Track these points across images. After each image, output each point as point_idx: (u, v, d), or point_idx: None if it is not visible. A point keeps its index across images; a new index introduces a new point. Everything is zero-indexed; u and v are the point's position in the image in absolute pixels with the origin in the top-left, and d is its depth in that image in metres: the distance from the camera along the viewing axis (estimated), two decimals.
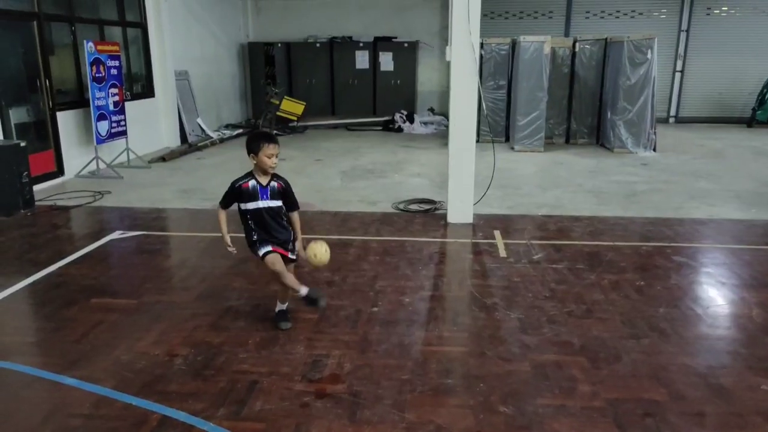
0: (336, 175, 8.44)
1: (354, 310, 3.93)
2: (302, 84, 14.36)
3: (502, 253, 5.09)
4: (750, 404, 2.87)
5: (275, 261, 3.44)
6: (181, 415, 2.78)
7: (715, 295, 4.25)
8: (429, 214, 6.33)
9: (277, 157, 3.41)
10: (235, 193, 3.46)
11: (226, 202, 3.54)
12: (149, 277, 4.55)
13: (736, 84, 14.09)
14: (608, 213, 6.37)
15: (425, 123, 13.48)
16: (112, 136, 8.59)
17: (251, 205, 3.43)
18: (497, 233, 5.63)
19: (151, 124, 10.43)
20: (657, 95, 10.40)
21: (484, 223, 5.96)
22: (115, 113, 8.63)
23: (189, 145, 10.71)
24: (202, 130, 11.83)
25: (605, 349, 3.42)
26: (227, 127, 13.02)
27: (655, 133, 10.27)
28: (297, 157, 9.84)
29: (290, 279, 3.55)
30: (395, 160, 9.61)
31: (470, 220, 5.98)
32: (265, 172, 3.44)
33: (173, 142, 10.85)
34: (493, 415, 2.79)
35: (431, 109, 14.28)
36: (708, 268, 4.77)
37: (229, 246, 3.55)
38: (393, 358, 3.30)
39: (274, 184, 3.48)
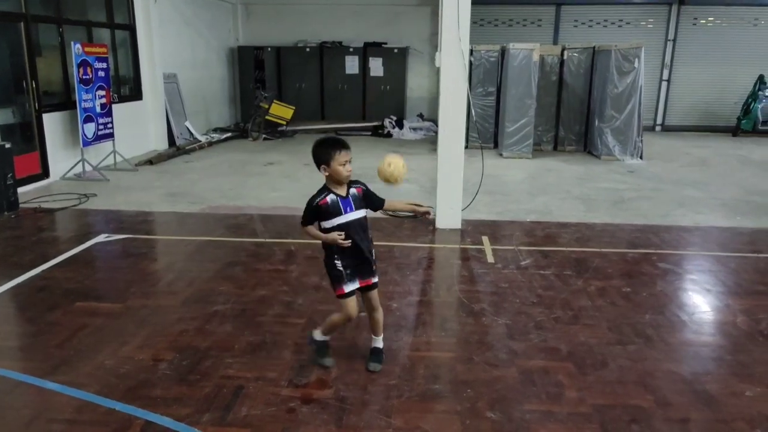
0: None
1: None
2: (292, 88, 14.34)
3: (490, 258, 5.10)
4: (734, 410, 2.89)
5: (354, 307, 3.09)
6: (165, 421, 2.75)
7: (701, 302, 4.29)
8: (417, 219, 6.33)
9: (350, 162, 2.97)
10: (314, 212, 3.01)
11: (307, 220, 3.05)
12: (135, 281, 4.50)
13: (722, 93, 14.28)
14: (596, 220, 6.41)
15: (414, 129, 13.51)
16: (98, 138, 8.52)
17: (335, 221, 2.98)
18: (485, 239, 5.64)
19: (139, 126, 10.36)
20: (644, 103, 10.49)
21: (473, 229, 5.97)
22: (102, 115, 8.56)
23: (177, 149, 10.65)
24: (191, 133, 11.77)
25: (592, 355, 3.43)
26: (216, 130, 12.96)
27: (641, 141, 10.37)
28: (286, 162, 9.82)
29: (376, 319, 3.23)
30: None
31: (459, 225, 5.99)
32: (340, 183, 3.00)
33: (161, 145, 10.78)
34: (480, 421, 2.78)
35: (420, 115, 14.32)
36: (693, 275, 4.81)
37: (340, 235, 2.96)
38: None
39: (353, 191, 3.04)
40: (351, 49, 14.18)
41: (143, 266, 4.90)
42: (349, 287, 3.05)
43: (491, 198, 7.22)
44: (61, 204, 6.79)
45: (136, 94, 10.42)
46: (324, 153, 2.94)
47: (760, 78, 13.22)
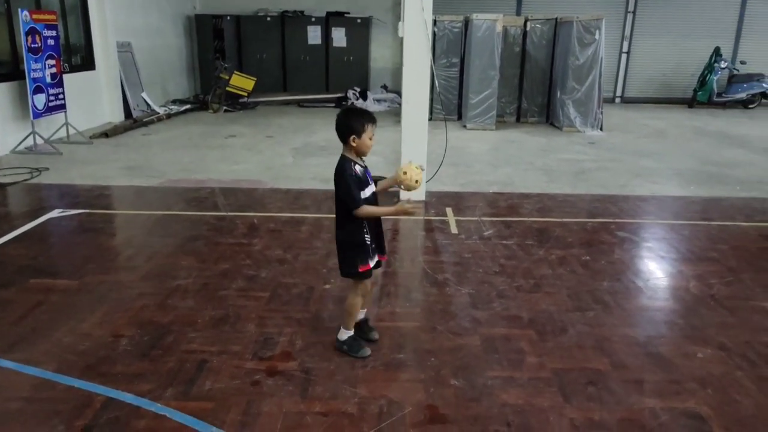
0: (288, 152, 8.31)
1: (306, 288, 3.90)
2: (253, 59, 14.00)
3: (454, 229, 5.15)
4: (686, 371, 3.01)
5: (369, 285, 3.10)
6: (127, 397, 2.71)
7: (655, 269, 4.43)
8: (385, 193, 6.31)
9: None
10: (357, 180, 2.84)
11: (358, 195, 2.83)
12: (92, 257, 4.38)
13: (679, 65, 14.58)
14: (557, 190, 6.51)
15: (378, 100, 13.41)
16: (49, 110, 8.19)
17: (367, 192, 2.89)
18: (449, 210, 5.68)
19: (93, 97, 9.99)
20: (604, 75, 10.64)
21: (436, 201, 6.00)
22: (52, 86, 8.21)
23: (134, 121, 10.32)
24: (148, 105, 11.41)
25: (552, 322, 3.51)
26: (174, 102, 12.60)
27: (602, 112, 10.53)
28: (247, 134, 9.64)
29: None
30: None
31: (422, 197, 6.01)
32: (361, 156, 2.90)
33: (117, 117, 10.43)
34: (444, 388, 2.83)
35: (384, 86, 14.21)
36: (649, 243, 4.95)
37: (410, 205, 2.88)
38: None
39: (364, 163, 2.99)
40: (313, 19, 13.90)
41: (100, 241, 4.77)
42: (373, 261, 2.99)
43: (455, 169, 7.25)
44: (11, 179, 6.53)
45: (88, 64, 10.01)
46: (358, 123, 2.80)
47: (716, 50, 13.53)
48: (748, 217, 5.64)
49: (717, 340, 3.32)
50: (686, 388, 2.87)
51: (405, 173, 2.92)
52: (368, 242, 2.94)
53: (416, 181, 2.93)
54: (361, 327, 3.22)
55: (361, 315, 3.22)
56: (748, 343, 3.29)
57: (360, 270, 2.96)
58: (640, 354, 3.17)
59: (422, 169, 3.01)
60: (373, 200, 2.94)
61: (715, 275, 4.24)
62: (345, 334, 3.11)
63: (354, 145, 2.83)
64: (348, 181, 2.82)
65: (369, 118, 2.84)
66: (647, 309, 3.76)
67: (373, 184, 2.97)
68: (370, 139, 2.85)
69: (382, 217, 3.04)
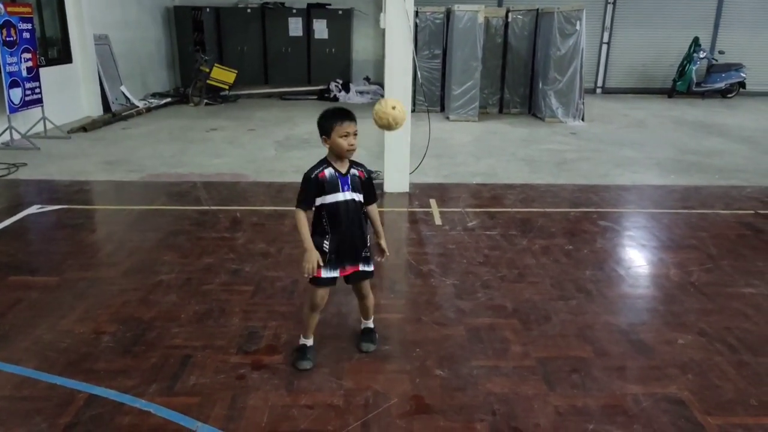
0: (270, 145, 8.26)
1: (290, 281, 3.88)
2: (233, 51, 13.85)
3: (438, 221, 5.16)
4: (668, 357, 3.06)
5: (322, 297, 2.87)
6: (110, 393, 2.68)
7: (637, 257, 4.48)
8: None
9: (355, 136, 2.71)
10: (314, 186, 2.72)
11: (307, 201, 2.74)
12: (72, 253, 4.32)
13: (659, 56, 14.72)
14: (540, 181, 6.55)
15: (361, 92, 13.36)
16: (26, 104, 8.04)
17: (330, 198, 2.73)
18: (433, 202, 5.69)
19: (70, 91, 9.83)
20: (585, 66, 10.70)
21: (420, 192, 6.01)
22: (28, 80, 8.06)
23: (113, 115, 10.17)
24: (127, 98, 11.25)
25: (536, 311, 3.54)
26: (154, 95, 12.44)
27: (583, 103, 10.61)
28: (229, 127, 9.55)
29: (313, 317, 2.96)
30: None
31: (406, 189, 6.01)
32: (341, 158, 2.75)
33: (95, 111, 10.27)
34: (430, 379, 2.84)
35: (367, 78, 14.15)
36: (630, 232, 5.01)
37: (315, 256, 2.71)
38: (330, 327, 3.29)
39: (354, 172, 2.79)
40: (294, 11, 13.78)
41: (80, 237, 4.70)
42: (327, 273, 2.79)
43: (438, 161, 7.26)
44: None
45: (65, 57, 9.84)
46: (325, 123, 2.71)
47: (695, 40, 13.68)
48: (727, 205, 5.73)
49: (697, 326, 3.37)
50: (667, 374, 2.91)
51: (392, 107, 2.83)
52: (325, 249, 2.77)
53: (393, 108, 2.80)
54: (303, 347, 2.97)
55: (367, 323, 3.13)
56: (727, 329, 3.34)
57: (316, 275, 2.76)
58: (622, 341, 3.21)
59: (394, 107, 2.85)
60: (336, 209, 2.74)
61: (695, 263, 4.30)
62: (301, 341, 2.98)
63: (326, 146, 2.74)
64: (303, 181, 2.75)
65: (339, 116, 2.69)
66: (629, 297, 3.80)
67: (352, 193, 2.77)
68: (344, 137, 2.68)
69: (358, 232, 2.83)
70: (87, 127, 9.05)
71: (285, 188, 6.10)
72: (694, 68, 13.65)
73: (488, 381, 2.83)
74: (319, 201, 2.75)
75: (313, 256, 2.70)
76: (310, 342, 2.98)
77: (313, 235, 2.79)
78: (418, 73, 9.49)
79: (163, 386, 2.75)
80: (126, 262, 4.18)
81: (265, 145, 8.20)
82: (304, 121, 10.25)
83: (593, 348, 3.13)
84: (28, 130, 8.15)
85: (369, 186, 2.87)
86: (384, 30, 5.65)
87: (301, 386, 2.76)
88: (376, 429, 2.48)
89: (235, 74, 12.29)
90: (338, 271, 2.84)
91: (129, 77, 11.67)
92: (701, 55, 13.69)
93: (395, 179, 5.99)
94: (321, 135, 2.75)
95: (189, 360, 2.96)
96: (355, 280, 2.93)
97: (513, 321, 3.41)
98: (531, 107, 11.34)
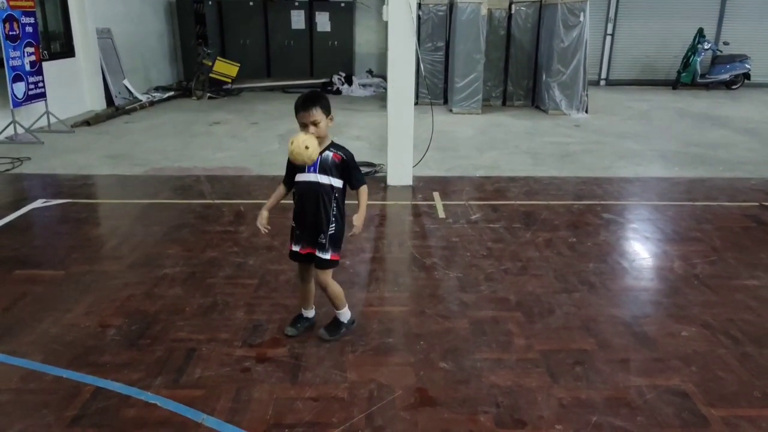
0: (273, 138, 8.25)
1: (294, 274, 3.88)
2: (236, 44, 13.82)
3: (441, 214, 5.16)
4: (671, 350, 3.06)
5: (302, 270, 3.07)
6: (116, 386, 2.70)
7: (640, 250, 4.47)
8: (369, 176, 6.31)
9: (316, 125, 2.76)
10: (289, 164, 2.90)
11: (285, 177, 2.97)
12: (77, 247, 4.34)
13: (663, 47, 14.62)
14: (543, 173, 6.54)
15: (364, 85, 13.33)
16: (29, 98, 8.05)
17: (297, 177, 2.88)
18: (436, 195, 5.68)
19: (73, 85, 9.83)
20: (589, 58, 10.65)
21: (424, 185, 6.00)
22: (32, 74, 8.07)
23: (116, 109, 10.18)
24: (130, 92, 11.24)
25: (539, 303, 3.54)
26: (157, 89, 12.43)
27: (587, 95, 10.56)
28: (232, 121, 9.55)
29: (306, 291, 3.15)
30: (334, 122, 9.46)
31: (410, 182, 6.01)
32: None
33: (98, 105, 10.28)
34: (433, 372, 2.85)
35: (370, 71, 14.12)
36: (634, 224, 5.00)
37: (263, 224, 2.97)
38: None
39: (328, 154, 2.84)
40: (296, 3, 13.72)
41: (85, 231, 4.72)
42: (293, 246, 2.99)
43: (441, 154, 7.25)
44: None
45: (67, 51, 9.83)
46: (295, 111, 2.84)
47: (700, 31, 13.58)
48: (732, 197, 5.71)
49: (701, 319, 3.37)
50: (671, 366, 2.92)
51: (291, 143, 2.75)
52: (292, 224, 2.97)
53: (306, 147, 2.70)
54: (299, 316, 3.19)
55: (308, 313, 3.20)
56: (731, 321, 3.34)
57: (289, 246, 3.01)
58: (625, 334, 3.21)
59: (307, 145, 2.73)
60: (300, 187, 2.88)
61: (698, 255, 4.29)
62: (304, 313, 3.21)
63: None
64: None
65: (296, 106, 2.80)
66: (632, 289, 3.80)
67: (318, 174, 2.83)
68: (304, 127, 2.77)
69: (319, 217, 2.88)
70: (90, 121, 9.05)
71: None
72: (698, 60, 13.56)
73: (492, 373, 2.84)
74: (295, 178, 2.90)
75: (262, 218, 2.97)
76: (304, 313, 3.18)
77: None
78: (421, 65, 9.46)
79: (169, 379, 2.77)
80: (131, 255, 4.19)
81: (268, 139, 8.20)
82: None
83: (597, 340, 3.14)
84: (32, 125, 8.17)
85: (347, 169, 2.88)
86: (387, 22, 5.62)
87: (305, 379, 2.78)
88: (380, 421, 2.50)
89: (237, 67, 12.27)
90: (299, 247, 2.96)
91: (132, 71, 11.66)
92: (706, 47, 13.60)
93: (398, 172, 5.98)
94: None
95: (194, 353, 2.97)
96: (309, 260, 2.98)
97: (516, 314, 3.42)
98: (534, 99, 11.30)
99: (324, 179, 2.84)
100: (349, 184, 2.92)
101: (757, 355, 3.01)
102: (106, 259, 4.17)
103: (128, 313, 3.38)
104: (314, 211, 2.88)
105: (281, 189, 3.00)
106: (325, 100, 2.85)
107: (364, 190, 2.95)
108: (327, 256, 2.92)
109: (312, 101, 2.78)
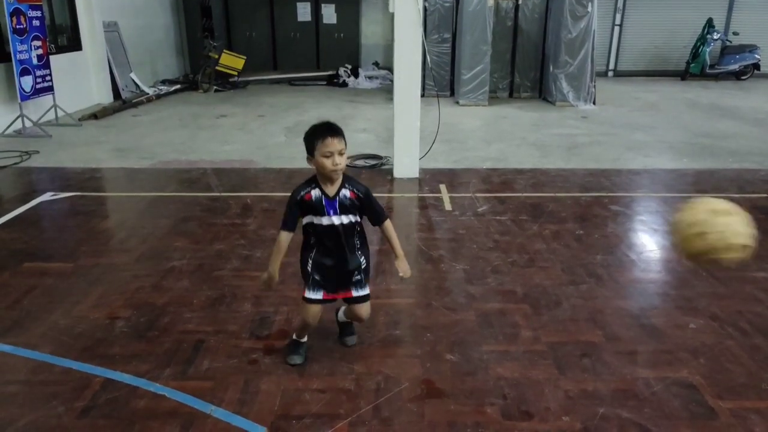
0: (280, 131, 8.25)
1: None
2: (241, 37, 13.83)
3: (448, 206, 5.15)
4: (679, 342, 3.05)
5: (314, 316, 2.72)
6: (125, 377, 2.72)
7: (648, 242, 4.45)
8: (375, 169, 6.31)
9: (342, 154, 2.46)
10: (298, 207, 2.56)
11: (289, 223, 2.57)
12: (85, 240, 4.37)
13: (672, 37, 14.50)
14: (550, 165, 6.51)
15: (370, 77, 13.30)
16: (37, 92, 8.08)
17: (315, 220, 2.57)
18: (443, 187, 5.67)
19: (80, 79, 9.86)
20: (596, 49, 10.58)
21: (430, 178, 5.99)
22: (39, 67, 8.10)
23: (123, 102, 10.21)
24: (137, 85, 11.27)
25: (546, 296, 3.54)
26: (164, 82, 12.46)
27: (594, 86, 10.49)
28: (238, 113, 9.56)
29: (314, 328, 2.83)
30: (340, 115, 9.47)
31: (416, 174, 6.00)
32: (329, 179, 2.53)
33: (105, 98, 10.31)
34: (440, 363, 2.86)
35: (376, 63, 14.08)
36: (642, 216, 4.98)
37: (272, 281, 2.63)
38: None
39: (345, 193, 2.55)
40: None
41: (93, 224, 4.75)
42: (310, 294, 2.66)
43: (448, 146, 7.23)
44: (1, 162, 6.47)
45: (74, 45, 9.85)
46: (308, 142, 2.49)
47: (709, 21, 13.45)
48: (741, 188, 5.67)
49: (709, 311, 3.35)
50: (679, 358, 2.91)
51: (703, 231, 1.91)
52: (309, 270, 2.65)
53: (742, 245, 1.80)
54: (296, 343, 2.87)
55: (298, 339, 2.87)
56: (739, 313, 3.33)
57: (303, 294, 2.69)
58: (633, 326, 3.20)
59: None
60: (321, 232, 2.57)
61: None
62: (294, 336, 2.90)
63: (311, 165, 2.53)
64: (289, 200, 2.58)
65: (321, 132, 2.45)
66: (640, 281, 3.79)
67: (341, 216, 2.56)
68: (327, 157, 2.43)
69: (351, 257, 2.64)
70: (98, 114, 9.09)
71: (295, 174, 6.11)
72: (707, 50, 13.44)
73: (499, 365, 2.84)
74: (307, 219, 2.60)
75: (265, 277, 2.62)
76: (302, 340, 2.88)
77: (302, 249, 2.70)
78: (428, 57, 9.42)
79: (177, 370, 2.78)
80: (139, 248, 4.22)
81: (275, 131, 8.20)
82: (314, 107, 10.24)
83: (604, 333, 3.13)
84: (40, 118, 8.21)
85: (368, 204, 2.61)
86: (393, 14, 5.60)
87: (312, 371, 2.79)
88: (387, 413, 2.51)
89: (243, 60, 12.27)
90: (322, 293, 2.67)
91: (138, 64, 11.68)
92: (715, 37, 13.47)
93: (405, 165, 5.97)
94: (307, 153, 2.53)
95: (202, 345, 2.99)
96: (349, 302, 2.76)
97: (523, 306, 3.41)
98: (541, 91, 11.24)
99: (345, 219, 2.57)
100: (370, 221, 2.66)
101: (766, 347, 2.99)
102: (114, 251, 4.20)
103: (137, 305, 3.40)
104: (339, 255, 2.62)
105: (285, 239, 2.57)
106: None
107: (389, 225, 2.68)
108: (366, 290, 2.73)
109: (339, 128, 2.50)
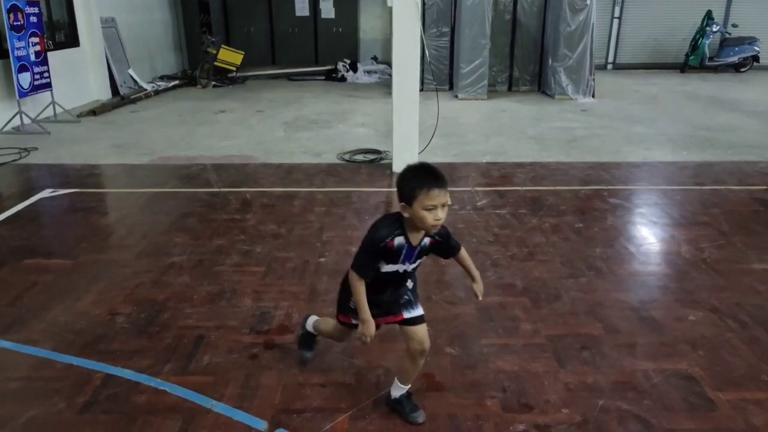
0: (279, 126, 8.25)
1: (301, 262, 3.91)
2: (240, 32, 13.79)
3: (447, 200, 5.14)
4: (678, 334, 3.06)
5: (344, 336, 2.64)
6: (126, 373, 2.73)
7: (648, 234, 4.46)
8: (374, 163, 6.30)
9: (444, 206, 2.11)
10: (381, 255, 2.22)
11: (367, 269, 2.23)
12: (85, 236, 4.37)
13: (671, 30, 14.46)
14: (549, 159, 6.51)
15: (369, 72, 13.27)
16: (35, 88, 8.06)
17: (385, 267, 2.27)
18: None
19: (78, 75, 9.83)
20: (596, 42, 10.55)
21: None
22: (37, 64, 8.08)
23: (121, 98, 10.19)
24: (135, 81, 11.24)
25: (546, 289, 3.54)
26: (162, 78, 12.41)
27: (593, 79, 10.47)
28: (237, 109, 9.54)
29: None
30: (339, 110, 9.46)
31: None
32: (418, 230, 2.21)
33: (104, 94, 10.28)
34: (440, 357, 2.86)
35: (375, 58, 14.04)
36: (641, 209, 4.98)
37: (371, 327, 2.27)
38: None
39: (426, 241, 2.26)
40: None
41: (93, 221, 4.75)
42: (348, 319, 2.46)
43: (447, 140, 7.22)
44: (0, 159, 6.46)
45: (72, 41, 9.82)
46: (407, 186, 2.12)
47: (708, 14, 13.42)
48: (740, 180, 5.67)
49: (708, 303, 3.36)
50: (678, 350, 2.92)
51: None
52: (351, 306, 2.34)
53: None
54: (401, 402, 2.49)
55: (403, 388, 2.48)
56: (738, 305, 3.33)
57: (339, 317, 2.51)
58: (632, 318, 3.21)
59: None
60: (384, 277, 2.28)
61: (706, 239, 4.27)
62: (311, 329, 2.77)
63: (406, 215, 2.16)
64: (368, 243, 2.23)
65: (426, 181, 2.08)
66: (640, 274, 3.79)
67: (412, 264, 2.30)
68: (429, 211, 2.07)
69: (403, 291, 2.40)
70: (96, 110, 9.07)
71: (294, 169, 6.11)
72: (707, 42, 13.41)
73: (499, 359, 2.85)
74: (382, 269, 2.29)
75: (370, 328, 2.27)
76: (318, 336, 2.79)
77: (342, 290, 2.45)
78: (426, 51, 9.39)
79: (178, 366, 2.79)
80: (139, 244, 4.22)
81: (274, 127, 8.19)
82: (312, 101, 10.23)
83: (603, 325, 3.14)
84: (38, 115, 8.20)
85: (444, 243, 2.34)
86: (391, 8, 5.58)
87: (313, 365, 2.80)
88: (387, 407, 2.51)
89: (242, 55, 12.24)
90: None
91: (137, 60, 11.65)
92: (714, 29, 13.44)
93: (404, 159, 5.94)
94: (400, 200, 2.16)
95: (202, 340, 3.00)
96: (402, 323, 2.41)
97: (523, 299, 3.42)
98: (540, 85, 11.21)
99: (414, 265, 2.33)
100: (443, 254, 2.42)
101: (765, 339, 3.00)
102: (114, 247, 4.20)
103: (137, 301, 3.40)
104: (398, 291, 2.39)
105: (362, 287, 2.26)
106: None
107: (464, 253, 2.44)
108: (420, 310, 2.40)
109: (444, 177, 2.13)
